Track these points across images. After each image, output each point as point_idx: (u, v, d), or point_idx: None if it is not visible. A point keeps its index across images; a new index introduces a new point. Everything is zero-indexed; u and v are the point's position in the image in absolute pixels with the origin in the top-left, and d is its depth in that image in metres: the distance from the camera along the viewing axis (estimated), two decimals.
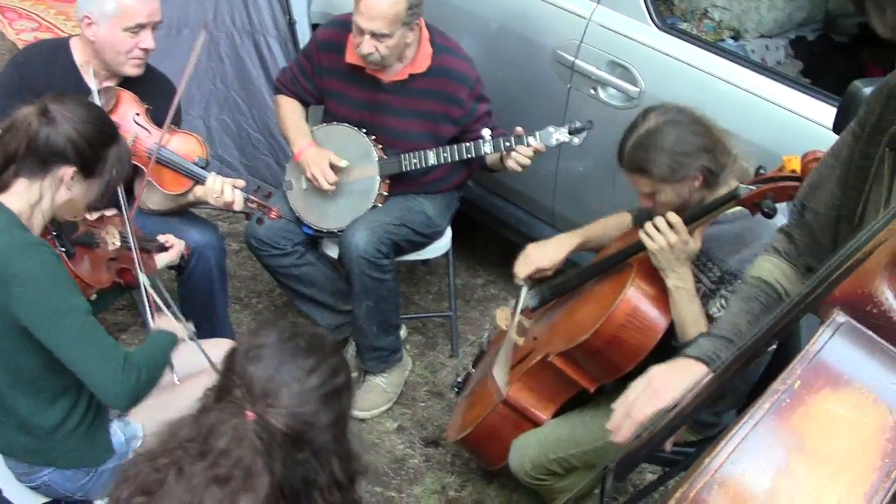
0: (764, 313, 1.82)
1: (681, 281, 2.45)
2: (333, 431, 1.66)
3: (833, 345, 1.26)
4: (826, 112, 2.82)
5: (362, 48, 3.20)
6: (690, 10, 4.28)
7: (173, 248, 2.91)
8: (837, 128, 2.39)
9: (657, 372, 1.84)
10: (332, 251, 3.55)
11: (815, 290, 1.32)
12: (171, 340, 2.49)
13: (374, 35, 3.15)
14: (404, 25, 3.16)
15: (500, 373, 2.84)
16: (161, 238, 2.91)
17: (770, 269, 1.87)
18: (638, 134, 2.50)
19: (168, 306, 2.62)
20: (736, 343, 1.78)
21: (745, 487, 1.20)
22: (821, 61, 4.33)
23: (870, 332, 1.26)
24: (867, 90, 2.22)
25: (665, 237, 2.43)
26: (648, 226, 2.47)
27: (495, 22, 3.74)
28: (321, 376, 1.65)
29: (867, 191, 1.60)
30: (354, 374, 3.68)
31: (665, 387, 1.78)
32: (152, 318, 2.61)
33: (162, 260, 2.87)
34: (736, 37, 4.22)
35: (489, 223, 4.09)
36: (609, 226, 2.95)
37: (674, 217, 2.43)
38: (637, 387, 1.85)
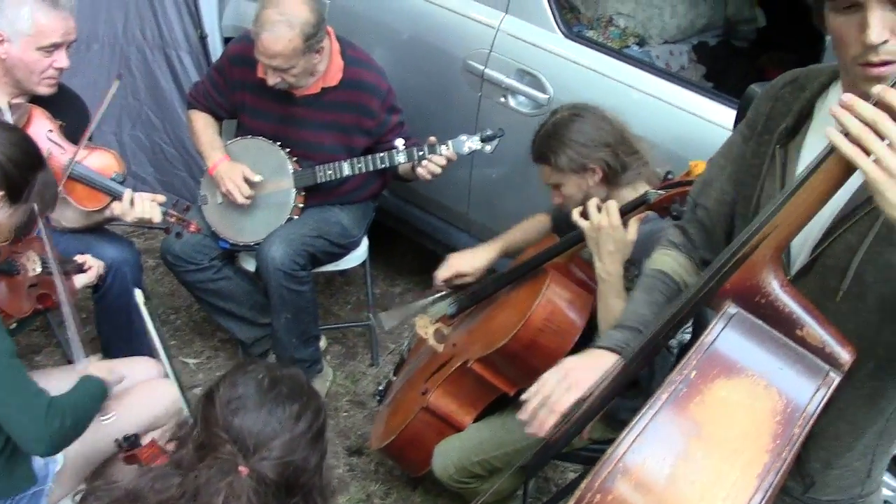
0: (666, 304, 1.87)
1: (605, 273, 2.46)
2: (320, 470, 1.66)
3: (726, 335, 1.32)
4: (728, 115, 2.92)
5: (269, 80, 3.23)
6: (596, 18, 4.37)
7: (92, 269, 2.85)
8: None
9: (572, 363, 1.84)
10: (250, 265, 3.55)
11: (708, 283, 1.38)
12: (102, 391, 2.42)
13: (276, 69, 3.18)
14: (306, 54, 3.18)
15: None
16: (79, 259, 2.85)
17: (668, 261, 1.93)
18: (546, 128, 2.64)
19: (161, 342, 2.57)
20: (644, 333, 1.81)
21: (648, 474, 1.26)
22: (722, 65, 4.48)
23: (759, 322, 1.33)
24: None
25: (597, 217, 2.44)
26: (588, 202, 2.49)
27: (406, 32, 3.78)
28: (308, 420, 1.64)
29: (759, 186, 1.68)
30: None
31: (582, 377, 1.79)
32: (82, 355, 2.53)
33: (80, 281, 2.82)
34: (641, 43, 4.32)
35: (406, 232, 4.13)
36: (528, 229, 3.01)
37: (611, 202, 2.46)
38: (551, 379, 1.84)
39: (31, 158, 2.30)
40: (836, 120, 1.23)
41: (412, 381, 3.06)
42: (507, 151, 3.30)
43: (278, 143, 3.40)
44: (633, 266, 2.58)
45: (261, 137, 3.42)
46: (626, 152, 2.60)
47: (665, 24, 4.36)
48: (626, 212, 2.50)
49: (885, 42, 1.35)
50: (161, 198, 3.07)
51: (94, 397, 2.39)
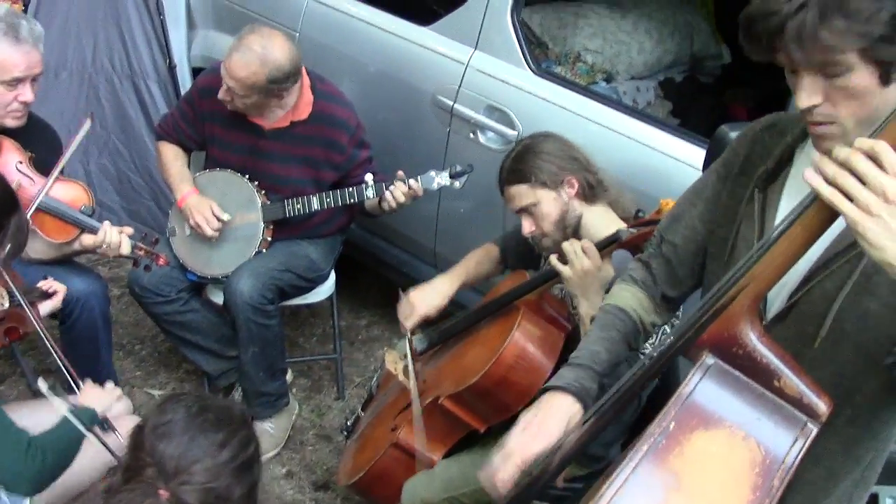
0: (622, 341, 1.89)
1: (593, 309, 2.45)
2: (250, 501, 1.66)
3: (704, 386, 1.33)
4: (693, 152, 2.96)
5: (220, 93, 3.24)
6: (564, 54, 4.39)
7: (56, 294, 2.81)
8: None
9: (528, 416, 1.82)
10: (217, 297, 3.53)
11: (686, 333, 1.39)
12: (89, 417, 2.39)
13: (230, 90, 3.19)
14: (264, 93, 3.19)
15: (420, 442, 2.81)
16: (43, 284, 2.81)
17: (627, 297, 1.94)
18: (516, 150, 2.69)
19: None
20: (596, 370, 1.83)
21: None
22: (688, 101, 4.52)
23: (737, 372, 1.34)
24: (733, 134, 2.34)
25: (580, 261, 2.46)
26: (566, 246, 2.51)
27: (374, 66, 3.79)
28: (233, 450, 1.65)
29: (736, 228, 1.70)
30: None
31: (541, 429, 1.77)
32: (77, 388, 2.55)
33: (46, 308, 2.78)
34: (608, 79, 4.35)
35: (372, 264, 4.12)
36: (480, 260, 3.05)
37: (586, 243, 2.48)
38: (513, 435, 1.81)
39: (6, 204, 2.27)
40: (815, 166, 1.27)
41: (381, 416, 3.05)
42: (476, 186, 3.31)
43: (247, 176, 3.39)
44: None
45: (229, 170, 3.42)
46: (593, 173, 2.67)
47: (632, 61, 4.40)
48: (598, 249, 2.52)
49: (817, 105, 1.45)
50: (129, 230, 3.06)
51: (77, 430, 2.35)
